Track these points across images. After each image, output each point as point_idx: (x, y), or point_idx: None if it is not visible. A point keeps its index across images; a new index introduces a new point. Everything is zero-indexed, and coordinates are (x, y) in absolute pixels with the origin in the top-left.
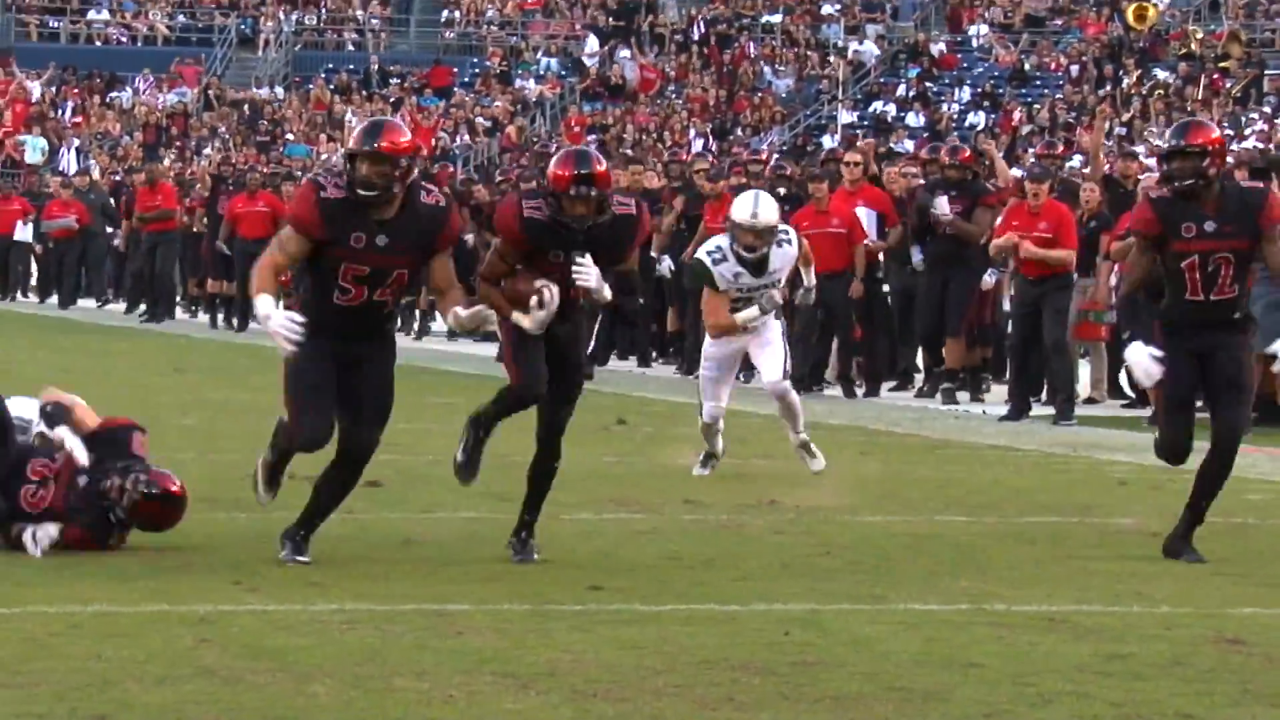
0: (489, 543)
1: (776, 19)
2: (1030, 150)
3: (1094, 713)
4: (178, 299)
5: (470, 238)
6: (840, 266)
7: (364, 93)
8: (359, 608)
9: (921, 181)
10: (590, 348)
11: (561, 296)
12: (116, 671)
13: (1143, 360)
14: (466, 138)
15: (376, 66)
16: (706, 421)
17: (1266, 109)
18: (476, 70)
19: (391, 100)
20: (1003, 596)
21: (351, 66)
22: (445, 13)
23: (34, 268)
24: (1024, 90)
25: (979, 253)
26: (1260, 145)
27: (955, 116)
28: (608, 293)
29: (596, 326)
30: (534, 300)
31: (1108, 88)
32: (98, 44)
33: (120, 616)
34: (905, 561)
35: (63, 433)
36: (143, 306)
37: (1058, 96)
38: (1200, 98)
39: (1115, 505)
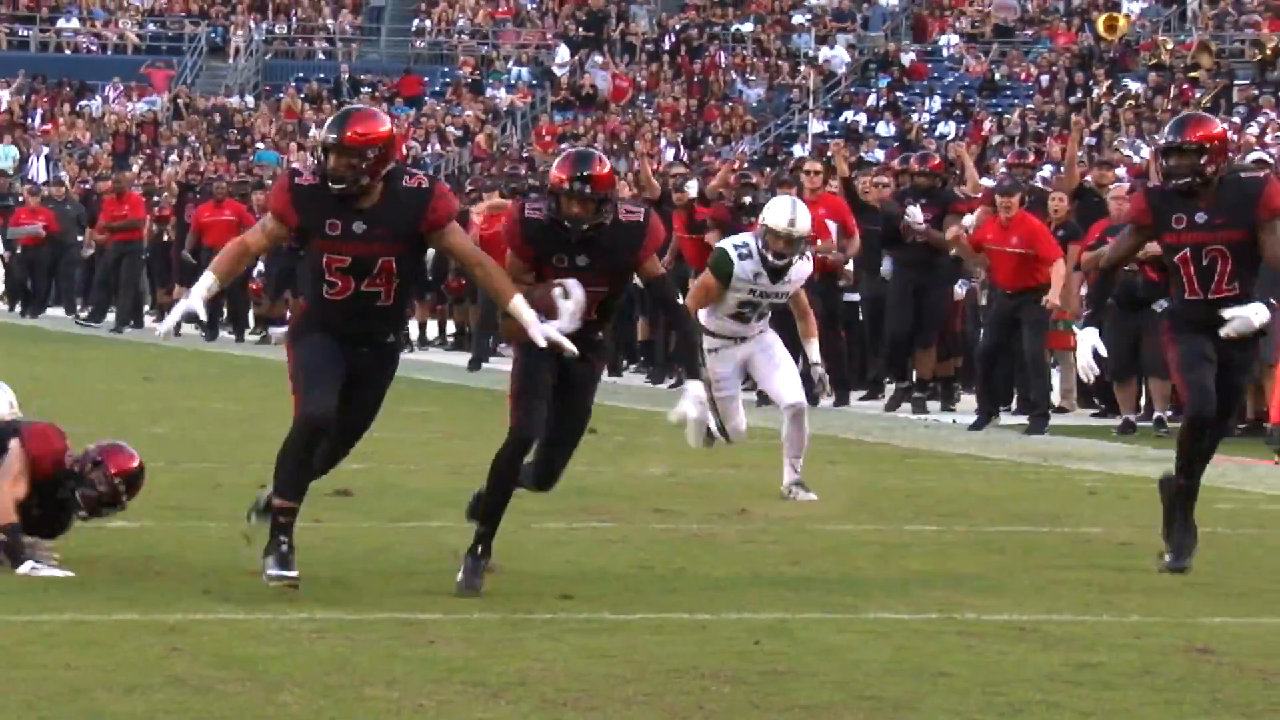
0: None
1: (747, 28)
2: (1001, 160)
3: None
4: (146, 308)
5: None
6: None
7: (334, 101)
8: (329, 616)
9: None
10: None
11: (584, 318)
12: (87, 680)
13: (1087, 351)
14: (437, 146)
15: (347, 75)
16: (734, 440)
17: (1236, 119)
18: (447, 79)
19: None
20: (973, 605)
21: (322, 75)
22: (416, 22)
23: (1, 275)
24: (994, 100)
25: (949, 261)
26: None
27: (926, 126)
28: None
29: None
30: (557, 291)
31: (1079, 95)
32: (67, 52)
33: (90, 625)
34: (875, 570)
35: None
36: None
37: (1028, 106)
38: (1170, 108)
39: (1085, 514)
